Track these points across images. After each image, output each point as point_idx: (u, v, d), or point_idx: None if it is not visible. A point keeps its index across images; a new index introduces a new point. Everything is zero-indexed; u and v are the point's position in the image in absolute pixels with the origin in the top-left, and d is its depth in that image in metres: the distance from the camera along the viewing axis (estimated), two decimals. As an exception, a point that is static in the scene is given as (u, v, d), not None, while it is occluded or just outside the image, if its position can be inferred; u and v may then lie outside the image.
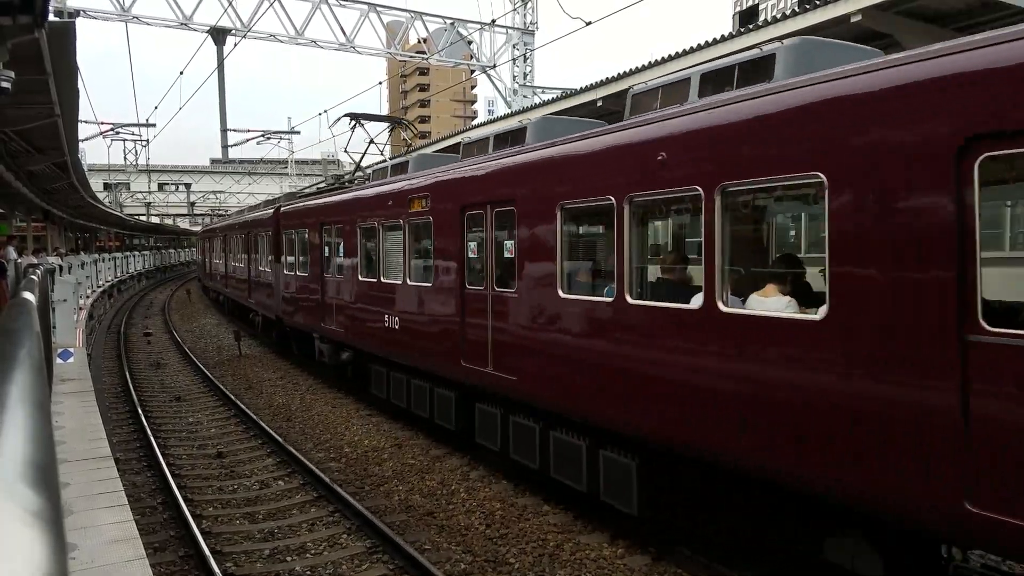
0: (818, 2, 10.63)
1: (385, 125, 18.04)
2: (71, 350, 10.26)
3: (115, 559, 3.87)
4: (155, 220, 67.38)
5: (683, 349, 5.75)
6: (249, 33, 23.14)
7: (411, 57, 30.83)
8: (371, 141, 16.37)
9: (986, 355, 3.82)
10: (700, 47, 12.81)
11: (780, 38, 7.46)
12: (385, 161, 14.07)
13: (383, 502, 8.24)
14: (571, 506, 7.83)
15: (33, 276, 6.25)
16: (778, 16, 11.51)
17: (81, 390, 8.36)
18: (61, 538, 0.68)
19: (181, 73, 23.24)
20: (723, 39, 12.40)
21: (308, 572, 6.55)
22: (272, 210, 19.00)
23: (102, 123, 34.51)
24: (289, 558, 6.86)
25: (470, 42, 27.43)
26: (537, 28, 27.21)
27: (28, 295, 3.38)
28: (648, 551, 6.73)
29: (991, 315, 3.89)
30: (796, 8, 11.37)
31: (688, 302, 5.77)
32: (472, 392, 9.24)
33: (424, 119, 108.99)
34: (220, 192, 66.80)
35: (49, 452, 0.88)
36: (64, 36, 8.68)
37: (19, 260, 15.48)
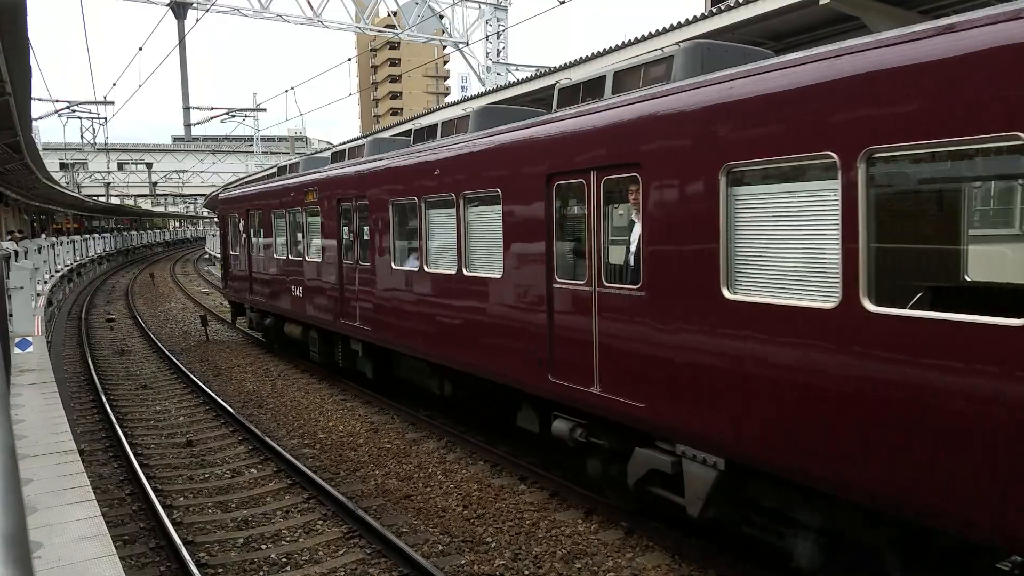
0: (787, -16, 10.58)
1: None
2: (30, 339, 9.94)
3: (83, 557, 3.76)
4: (115, 201, 65.41)
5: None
6: (212, 7, 22.39)
7: (380, 32, 30.18)
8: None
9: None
10: (651, 36, 12.75)
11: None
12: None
13: (359, 487, 8.19)
14: (547, 485, 7.89)
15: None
16: (744, -1, 11.44)
17: (42, 381, 8.10)
18: None
19: (140, 49, 22.43)
20: (679, 25, 12.35)
21: (284, 559, 6.48)
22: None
23: (57, 101, 33.22)
24: (264, 546, 6.78)
25: (441, 17, 26.92)
26: (511, 4, 26.80)
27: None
28: (621, 526, 6.82)
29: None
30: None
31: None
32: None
33: (396, 95, 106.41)
34: (183, 171, 65.06)
35: (20, 519, 0.78)
36: (14, 11, 8.28)
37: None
